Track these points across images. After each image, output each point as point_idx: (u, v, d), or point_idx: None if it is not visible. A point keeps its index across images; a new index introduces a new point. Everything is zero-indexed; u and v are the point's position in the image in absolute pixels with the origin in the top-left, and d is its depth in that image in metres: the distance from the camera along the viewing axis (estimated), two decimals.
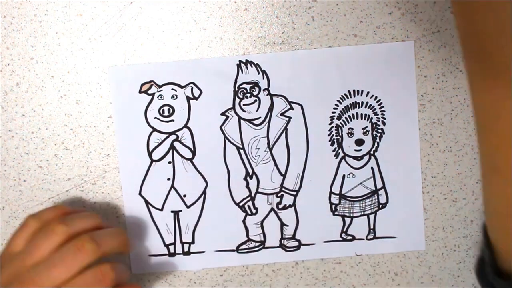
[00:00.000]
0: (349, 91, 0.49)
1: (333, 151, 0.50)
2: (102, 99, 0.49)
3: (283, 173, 0.50)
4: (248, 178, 0.50)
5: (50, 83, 0.49)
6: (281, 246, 0.51)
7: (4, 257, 0.44)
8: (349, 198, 0.50)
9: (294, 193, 0.50)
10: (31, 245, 0.43)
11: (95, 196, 0.50)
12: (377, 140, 0.50)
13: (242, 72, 0.49)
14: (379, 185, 0.50)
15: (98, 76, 0.49)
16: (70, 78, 0.49)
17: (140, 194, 0.50)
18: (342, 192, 0.50)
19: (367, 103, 0.49)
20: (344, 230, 0.51)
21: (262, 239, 0.51)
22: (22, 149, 0.49)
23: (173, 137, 0.49)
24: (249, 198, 0.50)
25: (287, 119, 0.49)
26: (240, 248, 0.51)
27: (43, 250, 0.43)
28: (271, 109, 0.49)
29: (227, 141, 0.49)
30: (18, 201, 0.50)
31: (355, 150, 0.50)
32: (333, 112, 0.49)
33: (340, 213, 0.51)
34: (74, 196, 0.50)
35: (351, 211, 0.51)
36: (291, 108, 0.49)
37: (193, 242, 0.50)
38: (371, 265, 0.51)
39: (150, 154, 0.49)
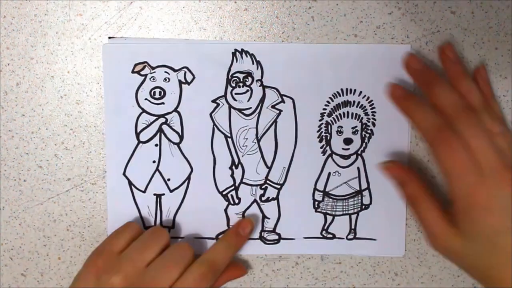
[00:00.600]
0: (341, 89, 0.49)
1: (321, 147, 0.50)
2: (102, 99, 0.49)
3: (269, 165, 0.50)
4: (233, 167, 0.50)
5: (50, 83, 0.49)
6: (261, 238, 0.51)
7: (104, 254, 0.45)
8: (332, 196, 0.50)
9: (279, 186, 0.50)
10: (140, 246, 0.45)
11: (95, 196, 0.50)
12: (366, 140, 0.50)
13: (236, 61, 0.49)
14: (364, 185, 0.50)
15: (98, 76, 0.49)
16: (70, 78, 0.49)
17: (124, 174, 0.50)
18: (326, 190, 0.50)
19: (358, 102, 0.49)
20: (325, 228, 0.51)
21: None
22: (22, 149, 0.49)
23: (162, 120, 0.49)
24: (233, 187, 0.50)
25: (277, 111, 0.49)
26: (220, 237, 0.50)
27: (153, 252, 0.45)
28: (262, 100, 0.49)
29: (215, 128, 0.49)
30: (18, 201, 0.50)
31: (343, 148, 0.50)
32: (324, 109, 0.49)
33: (323, 211, 0.51)
34: (74, 196, 0.50)
35: (334, 209, 0.51)
36: (283, 101, 0.49)
37: (173, 227, 0.50)
38: (371, 265, 0.51)
39: (137, 135, 0.49)
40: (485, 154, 0.42)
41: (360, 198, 0.50)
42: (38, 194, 0.50)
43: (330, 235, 0.51)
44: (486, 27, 0.49)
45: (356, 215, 0.51)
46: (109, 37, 0.48)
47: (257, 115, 0.49)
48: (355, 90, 0.49)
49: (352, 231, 0.51)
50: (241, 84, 0.49)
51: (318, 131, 0.50)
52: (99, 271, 0.44)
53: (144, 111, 0.49)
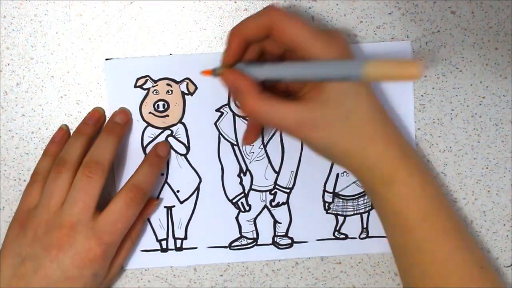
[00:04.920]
0: None
1: None
2: (102, 99, 0.49)
3: (277, 170, 0.50)
4: (242, 175, 0.50)
5: (50, 83, 0.49)
6: (274, 243, 0.51)
7: (24, 213, 0.45)
8: (342, 197, 0.50)
9: (288, 190, 0.50)
10: (46, 195, 0.45)
11: None
12: None
13: None
14: None
15: (98, 76, 0.49)
16: (70, 78, 0.49)
17: None
18: (336, 191, 0.50)
19: None
20: (337, 228, 0.51)
21: (255, 236, 0.51)
22: (22, 149, 0.49)
23: (167, 132, 0.49)
24: (242, 195, 0.50)
25: None
26: (233, 245, 0.51)
27: (60, 193, 0.44)
28: None
29: (221, 137, 0.49)
30: (18, 201, 0.50)
31: None
32: None
33: (333, 212, 0.51)
34: None
35: (345, 209, 0.51)
36: None
37: (185, 237, 0.50)
38: (371, 265, 0.51)
39: (144, 149, 0.49)
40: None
41: None
42: None
43: (342, 236, 0.51)
44: (486, 27, 0.49)
45: (367, 214, 0.51)
46: (106, 59, 0.48)
47: None
48: None
49: (364, 230, 0.51)
50: None
51: None
52: (21, 228, 0.45)
53: (149, 124, 0.49)
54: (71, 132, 0.49)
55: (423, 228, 0.43)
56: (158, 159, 0.48)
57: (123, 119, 0.48)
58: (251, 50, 0.43)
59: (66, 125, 0.49)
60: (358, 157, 0.43)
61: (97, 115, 0.48)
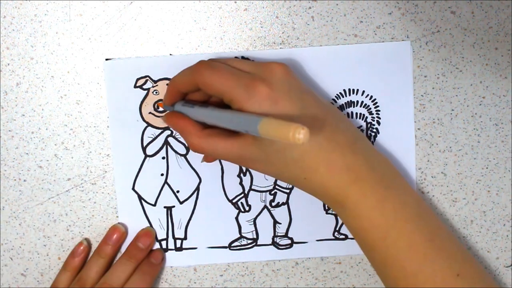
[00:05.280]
0: (344, 90, 0.49)
1: None
2: (102, 99, 0.49)
3: None
4: (241, 175, 0.50)
5: (50, 83, 0.49)
6: (274, 244, 0.51)
7: None
8: None
9: (288, 191, 0.50)
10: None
11: (95, 196, 0.50)
12: (372, 139, 0.50)
13: None
14: None
15: (98, 76, 0.49)
16: (70, 78, 0.49)
17: (133, 189, 0.50)
18: None
19: (362, 102, 0.49)
20: (337, 229, 0.51)
21: (255, 236, 0.51)
22: (22, 149, 0.49)
23: (167, 132, 0.49)
24: (242, 195, 0.50)
25: None
26: (233, 245, 0.51)
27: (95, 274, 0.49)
28: None
29: None
30: (18, 201, 0.50)
31: None
32: None
33: (333, 212, 0.51)
34: (74, 196, 0.50)
35: None
36: None
37: (185, 238, 0.50)
38: (371, 265, 0.51)
39: (144, 149, 0.49)
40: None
41: None
42: (38, 194, 0.50)
43: (342, 236, 0.51)
44: (486, 27, 0.49)
45: None
46: (106, 59, 0.48)
47: None
48: (357, 90, 0.49)
49: None
50: None
51: None
52: None
53: (149, 124, 0.49)
54: (90, 242, 0.51)
55: (384, 246, 0.43)
56: (152, 267, 0.50)
57: (145, 243, 0.49)
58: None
59: (86, 239, 0.50)
60: (303, 185, 0.43)
61: (118, 235, 0.49)
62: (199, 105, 0.45)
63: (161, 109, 0.49)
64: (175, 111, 0.46)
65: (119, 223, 0.50)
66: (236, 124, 0.40)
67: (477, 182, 0.51)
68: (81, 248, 0.50)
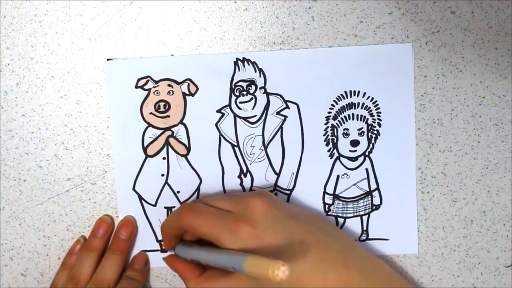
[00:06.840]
0: (345, 92, 0.49)
1: (328, 151, 0.50)
2: (102, 99, 0.49)
3: (278, 172, 0.50)
4: (242, 176, 0.50)
5: (50, 83, 0.49)
6: None
7: None
8: (342, 199, 0.50)
9: (288, 192, 0.50)
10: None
11: (95, 196, 0.50)
12: (373, 141, 0.50)
13: (239, 70, 0.49)
14: (373, 186, 0.50)
15: (98, 76, 0.49)
16: (70, 78, 0.49)
17: (133, 189, 0.50)
18: (336, 193, 0.50)
19: (363, 104, 0.49)
20: None
21: None
22: (22, 149, 0.49)
23: (168, 133, 0.49)
24: None
25: (282, 118, 0.49)
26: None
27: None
28: (267, 107, 0.49)
29: (222, 138, 0.49)
30: (18, 201, 0.50)
31: (350, 150, 0.50)
32: (329, 112, 0.49)
33: (334, 214, 0.51)
34: (74, 196, 0.50)
35: (345, 211, 0.51)
36: (287, 107, 0.49)
37: None
38: None
39: (144, 149, 0.49)
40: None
41: (370, 199, 0.50)
42: (38, 194, 0.50)
43: None
44: (486, 27, 0.49)
45: (367, 216, 0.51)
46: (107, 59, 0.48)
47: (262, 122, 0.49)
48: (358, 92, 0.49)
49: (365, 232, 0.51)
50: (244, 93, 0.49)
51: (324, 135, 0.50)
52: None
53: (150, 125, 0.49)
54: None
55: None
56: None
57: (127, 232, 0.49)
58: None
59: (83, 237, 0.50)
60: None
61: (105, 226, 0.49)
62: (197, 244, 0.46)
63: (162, 109, 0.49)
64: (173, 255, 0.48)
65: (105, 215, 0.50)
66: (224, 264, 0.41)
67: (477, 182, 0.51)
68: (79, 246, 0.50)
